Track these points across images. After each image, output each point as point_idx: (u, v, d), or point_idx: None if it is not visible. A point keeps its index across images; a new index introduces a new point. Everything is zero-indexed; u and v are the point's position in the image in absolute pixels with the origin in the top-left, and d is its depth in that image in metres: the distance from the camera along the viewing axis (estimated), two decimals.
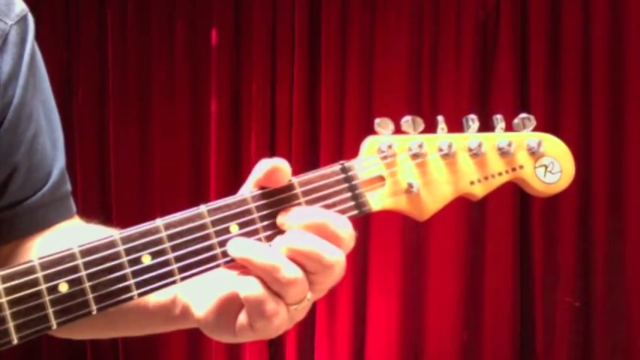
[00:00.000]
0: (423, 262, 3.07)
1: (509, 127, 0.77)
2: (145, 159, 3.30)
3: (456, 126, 0.76)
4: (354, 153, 0.73)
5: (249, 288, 0.65)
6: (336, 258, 0.65)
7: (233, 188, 0.69)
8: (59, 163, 0.88)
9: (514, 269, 3.00)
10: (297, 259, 0.65)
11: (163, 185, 3.26)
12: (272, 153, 3.10)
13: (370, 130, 0.73)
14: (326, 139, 3.09)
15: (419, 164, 0.73)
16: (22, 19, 0.85)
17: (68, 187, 0.91)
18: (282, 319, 0.66)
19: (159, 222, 0.66)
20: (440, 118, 0.75)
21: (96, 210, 3.26)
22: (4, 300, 0.62)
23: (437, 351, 3.06)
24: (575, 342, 2.97)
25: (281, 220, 0.67)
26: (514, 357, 3.02)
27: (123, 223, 0.68)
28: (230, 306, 0.69)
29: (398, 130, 0.73)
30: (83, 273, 0.64)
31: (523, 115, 0.77)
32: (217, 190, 3.18)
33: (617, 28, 2.91)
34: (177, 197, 3.20)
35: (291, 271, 0.64)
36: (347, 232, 0.67)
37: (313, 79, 3.12)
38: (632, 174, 2.90)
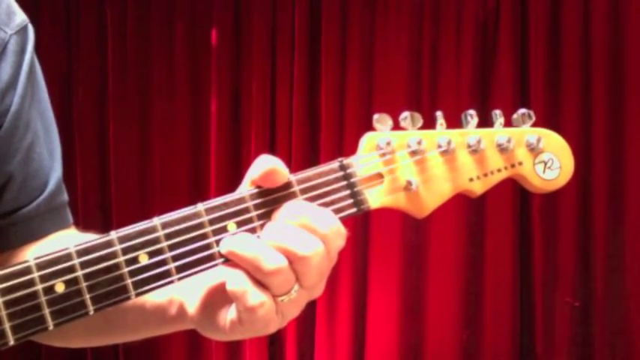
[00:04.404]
0: (423, 261, 3.06)
1: (508, 123, 0.77)
2: (145, 159, 3.30)
3: (455, 126, 0.76)
4: (354, 153, 0.73)
5: (234, 280, 0.65)
6: (311, 251, 0.65)
7: (233, 188, 0.69)
8: (56, 173, 0.88)
9: (514, 269, 3.00)
10: (277, 249, 0.65)
11: (163, 185, 3.26)
12: (272, 153, 3.04)
13: (370, 130, 0.73)
14: (326, 139, 3.08)
15: (417, 161, 0.73)
16: (23, 30, 0.85)
17: (65, 197, 0.90)
18: (268, 310, 0.65)
19: (156, 221, 0.66)
20: (439, 113, 0.74)
21: (96, 210, 3.26)
22: None
23: (437, 351, 3.05)
24: (575, 342, 2.97)
25: (275, 216, 0.67)
26: (514, 357, 3.01)
27: (123, 223, 0.67)
28: (220, 301, 0.69)
29: (396, 127, 0.73)
30: (80, 273, 0.63)
31: (522, 110, 0.76)
32: (217, 190, 3.17)
33: (617, 28, 2.91)
34: (177, 197, 3.20)
35: (272, 260, 0.64)
36: (329, 228, 0.66)
37: (313, 79, 3.12)
38: (632, 174, 2.89)
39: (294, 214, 0.66)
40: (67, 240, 0.84)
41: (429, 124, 0.74)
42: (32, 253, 0.83)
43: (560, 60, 2.96)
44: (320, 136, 3.10)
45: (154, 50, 3.26)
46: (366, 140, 0.72)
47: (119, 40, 3.26)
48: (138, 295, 0.65)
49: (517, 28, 2.99)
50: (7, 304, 0.62)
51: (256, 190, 0.68)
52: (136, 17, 3.25)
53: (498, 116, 0.76)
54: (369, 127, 0.71)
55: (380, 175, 0.72)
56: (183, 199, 3.17)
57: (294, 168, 0.68)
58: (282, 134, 3.16)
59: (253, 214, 0.67)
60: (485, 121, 0.76)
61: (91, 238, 0.67)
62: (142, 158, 3.30)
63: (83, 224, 0.94)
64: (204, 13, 3.22)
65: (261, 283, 0.65)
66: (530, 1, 2.97)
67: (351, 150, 0.73)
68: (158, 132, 3.27)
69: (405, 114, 0.73)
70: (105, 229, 0.70)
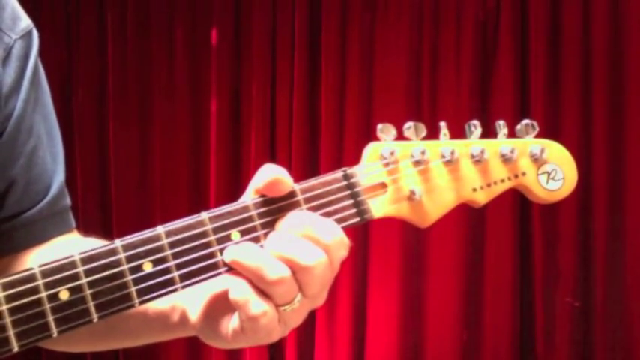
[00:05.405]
0: (423, 262, 3.07)
1: (511, 133, 0.77)
2: (145, 159, 3.30)
3: (455, 126, 0.76)
4: (354, 153, 0.73)
5: (237, 288, 0.65)
6: (313, 261, 0.65)
7: (233, 188, 0.69)
8: (59, 177, 0.88)
9: (514, 269, 3.00)
10: (280, 259, 0.65)
11: (163, 185, 3.26)
12: (272, 153, 3.09)
13: (370, 131, 0.73)
14: (326, 140, 3.08)
15: (421, 171, 0.73)
16: (27, 34, 0.85)
17: (68, 201, 0.90)
18: (270, 319, 0.65)
19: (160, 229, 0.66)
20: (442, 124, 0.75)
21: (96, 210, 3.26)
22: (4, 308, 0.61)
23: (437, 351, 3.06)
24: (575, 342, 2.97)
25: (278, 225, 0.68)
26: (514, 357, 3.02)
27: (123, 224, 0.68)
28: (222, 309, 0.70)
29: (400, 137, 0.73)
30: (84, 280, 0.63)
31: (526, 121, 0.77)
32: (217, 190, 3.17)
33: (617, 28, 2.91)
34: (177, 197, 3.20)
35: (275, 270, 0.64)
36: (332, 238, 0.67)
37: (313, 80, 3.11)
38: (632, 174, 2.90)
39: (297, 224, 0.66)
40: (70, 244, 0.85)
41: (430, 126, 0.75)
42: (35, 257, 0.83)
43: (560, 60, 2.96)
44: (320, 136, 3.10)
45: (154, 50, 3.26)
46: (370, 150, 0.72)
47: (119, 40, 3.26)
48: (142, 302, 0.65)
49: (517, 28, 2.99)
50: (12, 311, 0.62)
51: (260, 199, 0.68)
52: (136, 17, 3.25)
53: (502, 127, 0.76)
54: (369, 128, 0.71)
55: (383, 185, 0.72)
56: (184, 199, 3.17)
57: (294, 168, 0.69)
58: (282, 134, 3.15)
59: (257, 223, 0.67)
60: (484, 123, 0.76)
61: (94, 243, 0.67)
62: (142, 158, 3.29)
63: (83, 225, 0.94)
64: (204, 13, 3.22)
65: (263, 292, 0.65)
66: (530, 1, 2.97)
67: (351, 150, 0.74)
68: (158, 132, 3.27)
69: (409, 124, 0.73)
70: (105, 229, 0.70)
